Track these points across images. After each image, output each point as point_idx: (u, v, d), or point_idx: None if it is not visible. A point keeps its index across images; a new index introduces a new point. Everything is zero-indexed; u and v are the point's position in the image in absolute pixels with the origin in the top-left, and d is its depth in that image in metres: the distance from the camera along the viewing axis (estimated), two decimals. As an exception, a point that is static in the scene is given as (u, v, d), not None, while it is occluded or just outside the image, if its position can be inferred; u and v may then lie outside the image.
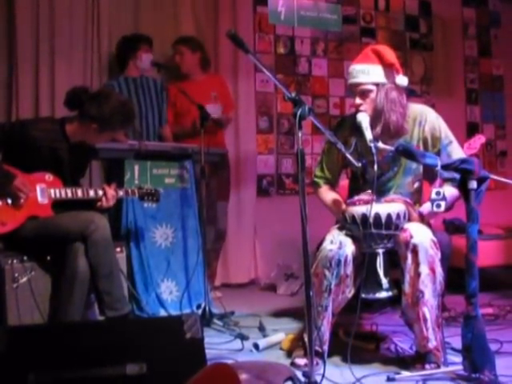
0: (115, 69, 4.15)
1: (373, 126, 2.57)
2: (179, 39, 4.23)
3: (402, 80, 2.61)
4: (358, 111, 2.60)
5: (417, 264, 2.39)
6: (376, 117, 2.57)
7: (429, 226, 2.61)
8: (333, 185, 2.86)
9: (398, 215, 2.44)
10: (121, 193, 3.02)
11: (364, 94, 2.58)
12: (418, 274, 2.39)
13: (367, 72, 2.56)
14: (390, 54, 2.60)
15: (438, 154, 2.59)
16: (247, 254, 4.69)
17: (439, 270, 2.41)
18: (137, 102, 3.93)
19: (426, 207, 2.56)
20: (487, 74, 5.73)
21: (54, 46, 3.98)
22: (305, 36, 4.98)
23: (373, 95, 2.57)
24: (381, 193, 2.57)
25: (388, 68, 2.57)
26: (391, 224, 2.43)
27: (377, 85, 2.56)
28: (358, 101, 2.59)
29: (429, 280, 2.38)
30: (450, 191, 2.51)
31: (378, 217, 2.41)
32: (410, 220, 2.51)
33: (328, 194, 2.79)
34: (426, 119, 2.65)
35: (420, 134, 2.65)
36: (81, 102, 2.87)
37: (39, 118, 3.60)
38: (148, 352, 1.97)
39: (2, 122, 3.60)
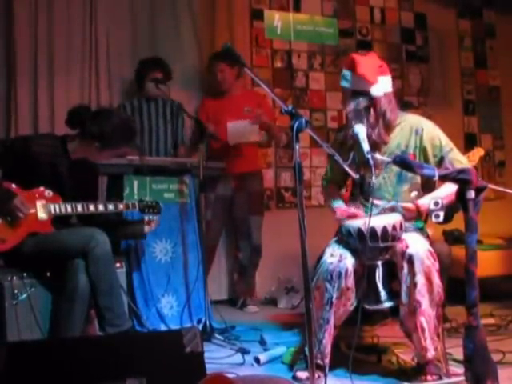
0: (114, 86, 4.20)
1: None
2: (217, 55, 4.12)
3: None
4: (354, 123, 2.60)
5: (413, 274, 2.39)
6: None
7: (427, 237, 2.61)
8: (337, 185, 2.93)
9: (394, 227, 2.44)
10: (121, 206, 3.02)
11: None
12: (414, 284, 2.38)
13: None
14: (364, 63, 2.58)
15: (440, 161, 2.60)
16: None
17: (436, 280, 2.40)
18: (148, 117, 3.96)
19: (424, 201, 2.52)
20: (484, 84, 5.76)
21: (52, 61, 4.02)
22: (301, 50, 5.01)
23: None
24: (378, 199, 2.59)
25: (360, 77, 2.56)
26: (387, 236, 2.43)
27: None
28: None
29: (425, 290, 2.38)
30: (448, 188, 2.47)
31: (373, 230, 2.40)
32: (406, 218, 2.51)
33: (329, 193, 2.90)
34: (422, 128, 2.65)
35: (417, 142, 2.65)
36: (82, 120, 2.89)
37: (40, 134, 3.61)
38: (148, 366, 1.97)
39: (2, 138, 3.61)
